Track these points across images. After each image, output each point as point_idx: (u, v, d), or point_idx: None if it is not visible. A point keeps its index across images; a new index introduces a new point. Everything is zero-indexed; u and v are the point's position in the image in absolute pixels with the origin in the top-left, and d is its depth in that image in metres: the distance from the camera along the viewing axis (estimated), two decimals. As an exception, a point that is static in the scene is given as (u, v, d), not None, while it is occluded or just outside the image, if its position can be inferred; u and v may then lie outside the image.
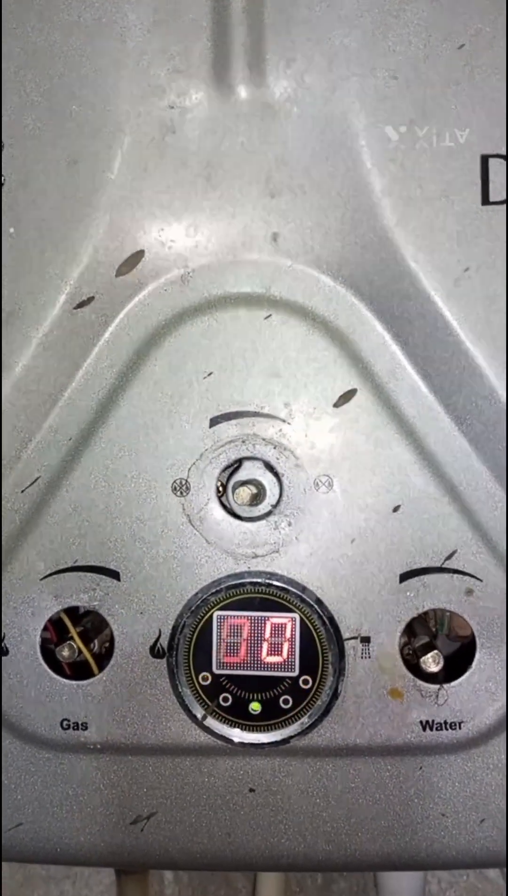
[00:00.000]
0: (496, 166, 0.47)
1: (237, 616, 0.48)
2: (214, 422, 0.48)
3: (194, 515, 0.48)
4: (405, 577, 0.48)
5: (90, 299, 0.48)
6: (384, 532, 0.48)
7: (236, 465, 0.49)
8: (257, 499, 0.48)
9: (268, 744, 0.49)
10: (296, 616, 0.48)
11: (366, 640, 0.48)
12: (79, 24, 0.48)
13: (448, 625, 0.52)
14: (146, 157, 0.48)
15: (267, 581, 0.48)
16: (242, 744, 0.49)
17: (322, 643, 0.48)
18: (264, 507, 0.48)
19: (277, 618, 0.48)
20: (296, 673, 0.48)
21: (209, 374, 0.48)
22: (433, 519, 0.48)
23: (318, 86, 0.47)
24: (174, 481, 0.48)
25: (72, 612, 0.50)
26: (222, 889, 0.88)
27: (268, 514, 0.48)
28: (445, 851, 0.49)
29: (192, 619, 0.49)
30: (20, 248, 0.48)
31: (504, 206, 0.47)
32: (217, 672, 0.49)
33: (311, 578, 0.48)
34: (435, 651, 0.48)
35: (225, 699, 0.49)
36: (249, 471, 0.48)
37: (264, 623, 0.48)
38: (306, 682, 0.48)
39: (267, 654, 0.48)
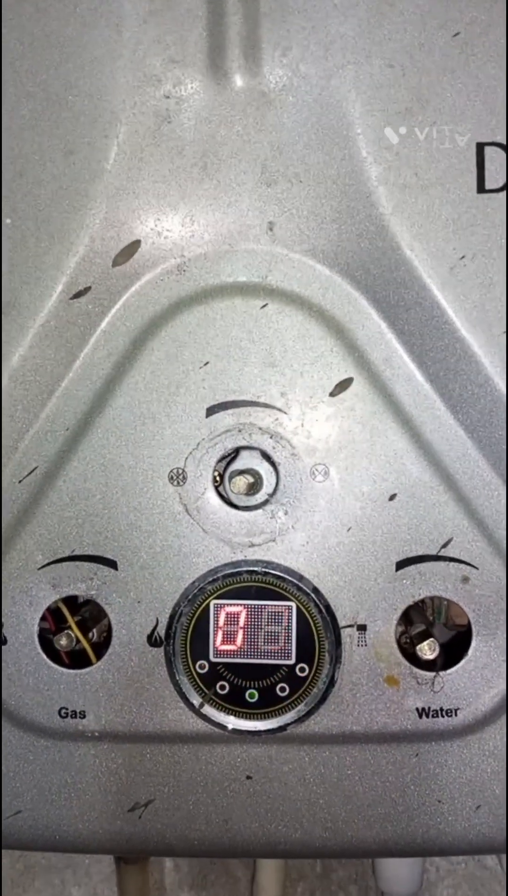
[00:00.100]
0: (491, 154, 0.47)
1: (234, 604, 0.49)
2: (210, 411, 0.48)
3: (190, 505, 0.49)
4: (401, 565, 0.48)
5: (87, 289, 0.48)
6: (380, 520, 0.48)
7: (233, 454, 0.49)
8: (253, 488, 0.48)
9: (265, 731, 0.49)
10: (293, 604, 0.48)
11: (362, 627, 0.48)
12: (75, 15, 0.48)
13: (445, 613, 0.52)
14: (142, 147, 0.48)
15: (264, 570, 0.48)
16: (239, 731, 0.49)
17: (319, 631, 0.48)
18: (260, 497, 0.48)
19: (273, 606, 0.49)
20: (293, 661, 0.49)
21: (206, 363, 0.48)
22: (429, 507, 0.48)
23: (313, 74, 0.47)
24: (171, 471, 0.49)
25: (70, 601, 0.50)
26: (221, 877, 0.89)
27: (265, 503, 0.48)
28: (441, 838, 0.50)
29: (189, 608, 0.49)
30: (17, 239, 0.48)
31: (500, 193, 0.47)
32: (214, 660, 0.49)
33: (307, 567, 0.48)
34: (431, 639, 0.48)
35: (222, 687, 0.49)
36: (245, 460, 0.48)
37: (261, 611, 0.49)
38: (302, 669, 0.49)
39: (264, 643, 0.49)
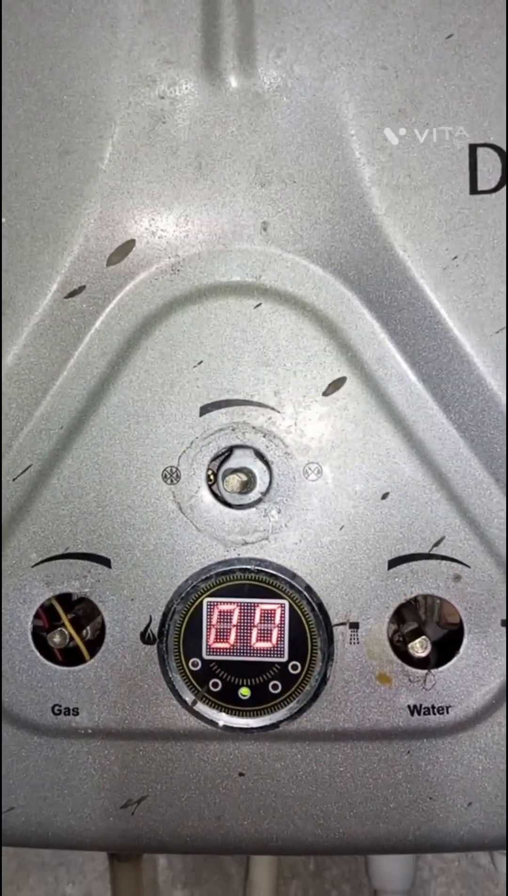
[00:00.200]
0: (484, 155, 0.48)
1: (227, 602, 0.49)
2: (204, 410, 0.49)
3: (184, 503, 0.49)
4: (393, 563, 0.48)
5: (81, 288, 0.49)
6: (372, 519, 0.48)
7: (227, 452, 0.49)
8: (247, 486, 0.49)
9: (257, 728, 0.49)
10: (285, 602, 0.49)
11: (355, 625, 0.49)
12: (70, 15, 0.48)
13: (438, 612, 0.52)
14: (137, 147, 0.48)
15: (257, 568, 0.49)
16: (231, 728, 0.49)
17: (311, 629, 0.49)
18: (254, 495, 0.49)
19: (266, 604, 0.49)
20: (285, 658, 0.49)
21: (200, 362, 0.48)
22: (421, 506, 0.48)
23: (307, 76, 0.48)
24: (165, 469, 0.49)
25: (64, 598, 0.51)
26: (214, 875, 0.89)
27: (258, 501, 0.49)
28: (433, 835, 0.50)
29: (182, 606, 0.49)
30: (12, 238, 0.49)
31: (493, 195, 0.48)
32: (207, 658, 0.49)
33: (300, 565, 0.49)
34: (423, 637, 0.48)
35: (215, 684, 0.49)
36: (239, 459, 0.49)
37: (254, 609, 0.49)
38: (295, 667, 0.49)
39: (257, 640, 0.49)
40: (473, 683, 0.49)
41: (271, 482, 0.49)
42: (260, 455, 0.49)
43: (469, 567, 0.48)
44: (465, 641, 0.49)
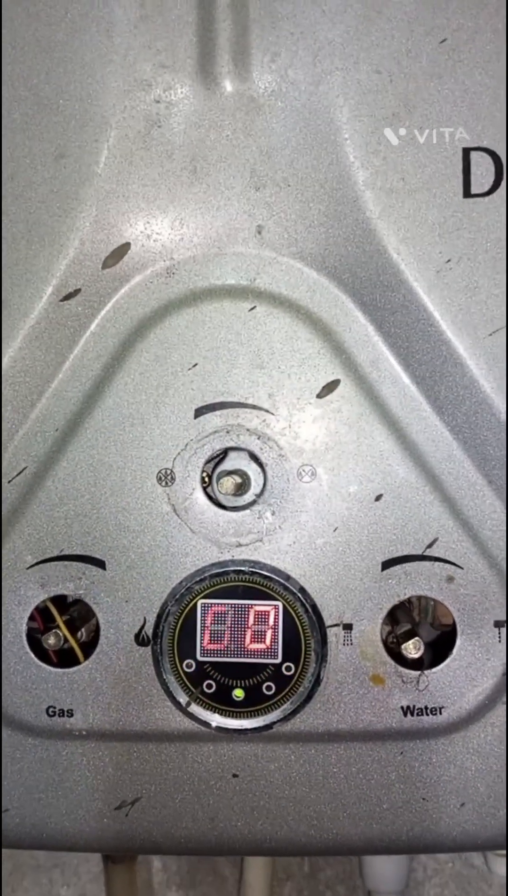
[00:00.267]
0: (477, 159, 0.48)
1: (221, 604, 0.49)
2: (199, 412, 0.49)
3: (178, 505, 0.49)
4: (386, 564, 0.49)
5: (77, 291, 0.49)
6: (366, 521, 0.48)
7: (221, 455, 0.49)
8: (241, 488, 0.49)
9: (251, 730, 0.49)
10: (279, 604, 0.49)
11: (348, 627, 0.49)
12: (66, 20, 0.48)
13: (432, 613, 0.52)
14: (132, 151, 0.48)
15: (251, 569, 0.49)
16: (225, 730, 0.49)
17: (305, 630, 0.49)
18: (248, 497, 0.49)
19: (260, 606, 0.49)
20: (279, 660, 0.49)
21: (194, 365, 0.49)
22: (414, 507, 0.48)
23: (302, 80, 0.48)
24: (160, 471, 0.49)
25: (58, 600, 0.51)
26: (209, 876, 0.89)
27: (252, 503, 0.49)
28: (426, 835, 0.50)
29: (176, 608, 0.49)
30: (8, 241, 0.49)
31: (486, 198, 0.48)
32: (201, 659, 0.49)
33: (294, 567, 0.49)
34: (416, 638, 0.48)
35: (209, 686, 0.49)
36: (233, 461, 0.49)
37: (248, 611, 0.49)
38: (288, 668, 0.49)
39: (250, 642, 0.49)
40: (466, 684, 0.49)
41: (265, 484, 0.49)
42: (254, 457, 0.49)
43: (461, 568, 0.48)
44: (458, 643, 0.49)
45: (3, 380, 0.49)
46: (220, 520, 0.49)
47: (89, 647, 0.50)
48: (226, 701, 0.49)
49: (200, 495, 0.49)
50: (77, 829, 0.51)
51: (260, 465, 0.49)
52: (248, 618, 0.49)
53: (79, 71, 0.48)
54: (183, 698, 0.49)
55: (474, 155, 0.48)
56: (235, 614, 0.49)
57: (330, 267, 0.48)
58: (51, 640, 0.49)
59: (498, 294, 0.48)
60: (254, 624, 0.49)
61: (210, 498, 0.49)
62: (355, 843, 0.50)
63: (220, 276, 0.49)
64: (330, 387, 0.48)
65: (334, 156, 0.48)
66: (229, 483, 0.49)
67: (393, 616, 0.50)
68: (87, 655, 0.50)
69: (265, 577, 0.49)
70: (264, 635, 0.49)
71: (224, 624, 0.49)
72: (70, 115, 0.48)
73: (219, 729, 0.49)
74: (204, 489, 0.49)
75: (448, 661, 0.49)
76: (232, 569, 0.49)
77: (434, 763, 0.50)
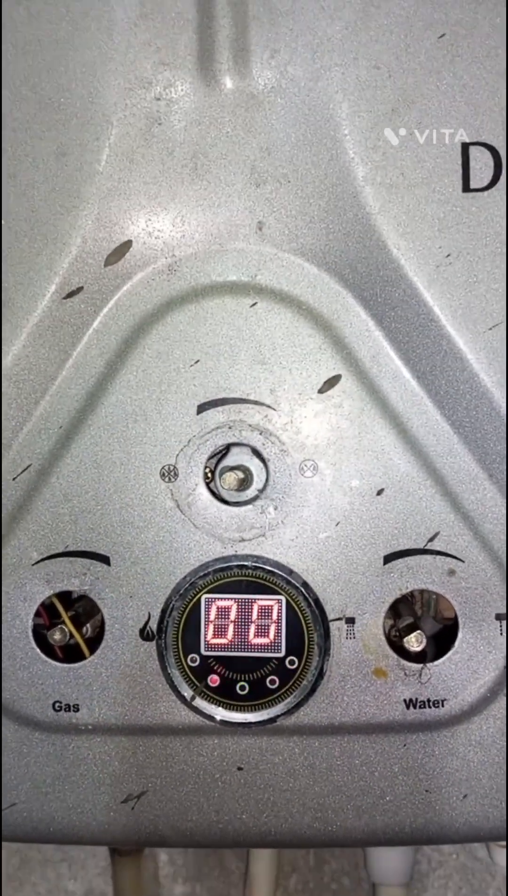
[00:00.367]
0: (476, 154, 0.48)
1: (225, 599, 0.49)
2: (201, 408, 0.49)
3: (182, 501, 0.49)
4: (388, 558, 0.49)
5: (79, 289, 0.49)
6: (368, 515, 0.49)
7: (224, 450, 0.49)
8: (244, 484, 0.49)
9: (255, 723, 0.50)
10: (282, 598, 0.49)
11: (351, 620, 0.49)
12: (66, 18, 0.48)
13: (434, 607, 0.53)
14: (133, 149, 0.49)
15: (254, 564, 0.49)
16: (229, 723, 0.50)
17: (308, 624, 0.49)
18: (250, 492, 0.49)
19: (263, 600, 0.49)
20: (282, 654, 0.49)
21: (196, 361, 0.49)
22: (416, 501, 0.49)
23: (301, 76, 0.48)
24: (163, 467, 0.49)
25: (64, 596, 0.51)
26: (215, 870, 0.89)
27: (255, 498, 0.49)
28: (429, 827, 0.50)
29: (180, 603, 0.49)
30: (10, 240, 0.49)
31: (485, 193, 0.48)
32: (205, 654, 0.50)
33: (297, 561, 0.49)
34: (418, 631, 0.49)
35: (213, 680, 0.50)
36: (236, 456, 0.49)
37: (251, 605, 0.49)
38: (292, 662, 0.49)
39: (254, 636, 0.49)
40: (468, 677, 0.49)
41: (267, 479, 0.49)
42: (257, 452, 0.49)
43: (463, 562, 0.49)
44: (460, 635, 0.49)
45: (7, 377, 0.49)
46: (223, 515, 0.49)
47: (95, 642, 0.50)
48: (230, 695, 0.50)
49: (203, 491, 0.49)
50: (84, 823, 0.51)
51: (262, 460, 0.49)
52: (251, 612, 0.49)
53: (80, 69, 0.48)
54: (188, 692, 0.50)
55: (473, 150, 0.48)
56: (238, 609, 0.49)
57: (331, 262, 0.49)
58: (56, 636, 0.50)
59: (498, 288, 0.48)
60: (257, 618, 0.49)
61: (213, 493, 0.49)
62: (359, 835, 0.51)
63: (221, 272, 0.49)
64: (331, 382, 0.49)
65: (333, 151, 0.48)
66: (231, 478, 0.49)
67: (395, 610, 0.50)
68: (92, 651, 0.50)
69: (268, 571, 0.49)
70: (268, 629, 0.49)
71: (228, 618, 0.49)
72: (71, 114, 0.49)
73: (223, 722, 0.50)
74: (207, 485, 0.49)
75: (449, 654, 0.49)
76: (235, 564, 0.49)
77: (437, 755, 0.50)
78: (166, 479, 0.49)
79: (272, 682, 0.50)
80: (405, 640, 0.49)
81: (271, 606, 0.49)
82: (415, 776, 0.50)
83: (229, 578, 0.49)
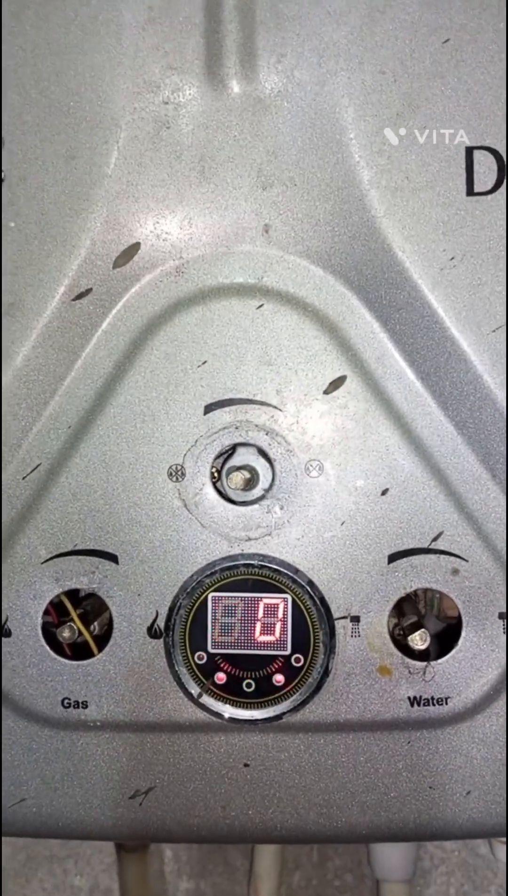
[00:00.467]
0: (480, 158, 0.48)
1: (231, 597, 0.50)
2: (208, 409, 0.49)
3: (189, 500, 0.50)
4: (393, 558, 0.49)
5: (88, 291, 0.49)
6: (373, 514, 0.49)
7: (230, 450, 0.50)
8: (250, 483, 0.50)
9: (261, 720, 0.50)
10: (288, 597, 0.50)
11: (356, 619, 0.50)
12: (75, 23, 0.49)
13: (437, 606, 0.53)
14: (142, 152, 0.49)
15: (260, 563, 0.50)
16: (236, 720, 0.50)
17: (314, 623, 0.50)
18: (257, 492, 0.50)
19: (269, 598, 0.50)
20: (288, 651, 0.50)
21: (203, 362, 0.49)
22: (420, 501, 0.49)
23: (308, 80, 0.49)
24: (170, 467, 0.50)
25: (72, 594, 0.52)
26: (219, 866, 0.90)
27: (261, 498, 0.50)
28: (432, 823, 0.51)
29: (187, 601, 0.50)
30: (20, 242, 0.50)
31: (489, 196, 0.49)
32: (212, 651, 0.50)
33: (302, 560, 0.50)
34: (423, 629, 0.49)
35: (220, 678, 0.50)
36: (242, 456, 0.50)
37: (258, 604, 0.50)
38: (297, 660, 0.50)
39: (260, 634, 0.50)
40: (471, 675, 0.50)
41: (273, 479, 0.50)
42: (263, 452, 0.50)
43: (466, 561, 0.49)
44: (463, 634, 0.50)
45: (17, 378, 0.50)
46: (229, 514, 0.50)
47: (103, 640, 0.51)
48: (237, 692, 0.50)
49: (210, 490, 0.50)
50: (92, 818, 0.52)
51: (268, 460, 0.50)
52: (257, 610, 0.50)
53: (88, 73, 0.49)
54: (195, 690, 0.50)
55: (477, 154, 0.49)
56: (245, 607, 0.50)
57: (336, 265, 0.49)
58: (65, 634, 0.50)
59: (501, 291, 0.49)
60: (264, 616, 0.50)
61: (220, 493, 0.50)
62: (363, 831, 0.51)
63: (228, 274, 0.49)
64: (337, 383, 0.49)
65: (339, 155, 0.49)
66: (238, 478, 0.50)
67: (400, 608, 0.51)
68: (100, 648, 0.51)
69: (274, 570, 0.49)
70: (274, 627, 0.50)
71: (234, 616, 0.50)
72: (80, 117, 0.49)
73: (230, 720, 0.50)
74: (214, 484, 0.50)
75: (453, 652, 0.50)
76: (242, 562, 0.50)
77: (441, 752, 0.50)
78: (174, 479, 0.50)
79: (278, 679, 0.50)
80: (409, 638, 0.49)
81: (277, 605, 0.50)
82: (419, 773, 0.51)
83: (236, 577, 0.50)
